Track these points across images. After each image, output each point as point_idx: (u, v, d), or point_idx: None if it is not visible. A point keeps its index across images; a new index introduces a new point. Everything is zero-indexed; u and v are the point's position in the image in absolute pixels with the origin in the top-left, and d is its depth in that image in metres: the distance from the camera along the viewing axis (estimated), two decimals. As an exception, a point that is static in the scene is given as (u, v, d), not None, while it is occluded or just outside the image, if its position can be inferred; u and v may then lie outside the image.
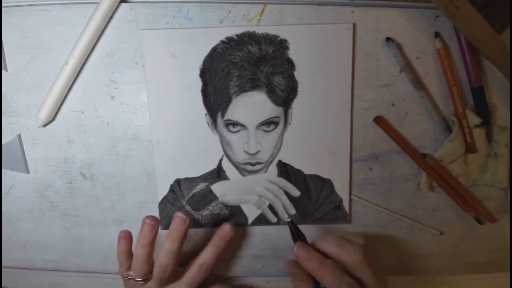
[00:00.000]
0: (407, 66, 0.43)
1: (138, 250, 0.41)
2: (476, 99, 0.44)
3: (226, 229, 0.44)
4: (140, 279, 0.42)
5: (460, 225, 0.48)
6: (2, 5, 0.42)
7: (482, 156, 0.45)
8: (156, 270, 0.42)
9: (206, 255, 0.43)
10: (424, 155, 0.45)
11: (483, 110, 0.44)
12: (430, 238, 0.49)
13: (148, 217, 0.41)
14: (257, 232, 0.48)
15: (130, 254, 0.43)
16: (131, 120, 0.45)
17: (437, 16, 0.42)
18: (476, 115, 0.44)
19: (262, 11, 0.42)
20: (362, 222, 0.48)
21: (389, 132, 0.44)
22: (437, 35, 0.42)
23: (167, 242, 0.41)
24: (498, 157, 0.45)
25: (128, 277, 0.42)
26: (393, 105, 0.45)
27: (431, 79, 0.44)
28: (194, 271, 0.43)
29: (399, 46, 0.43)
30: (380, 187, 0.47)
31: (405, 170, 0.46)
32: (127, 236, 0.42)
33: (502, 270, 0.50)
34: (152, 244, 0.41)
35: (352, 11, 0.42)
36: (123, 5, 0.42)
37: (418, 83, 0.43)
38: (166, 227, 0.47)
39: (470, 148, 0.44)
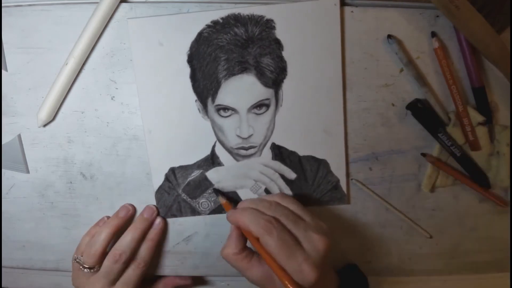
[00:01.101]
0: (410, 63, 0.43)
1: (104, 230, 0.44)
2: (478, 99, 0.44)
3: (157, 223, 0.46)
4: (88, 266, 0.43)
5: (460, 225, 0.48)
6: (2, 5, 0.42)
7: (485, 155, 0.45)
8: (107, 260, 0.43)
9: (142, 251, 0.45)
10: (424, 154, 0.45)
11: (485, 110, 0.44)
12: (430, 238, 0.49)
13: (130, 204, 0.47)
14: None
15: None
16: (131, 120, 0.45)
17: (437, 16, 0.42)
18: (479, 113, 0.44)
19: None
20: (362, 222, 0.48)
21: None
22: (433, 34, 0.42)
23: (130, 230, 0.44)
24: (500, 156, 0.45)
25: (77, 260, 0.44)
26: (393, 105, 0.45)
27: (431, 78, 0.44)
28: (130, 269, 0.44)
29: (400, 43, 0.43)
30: (380, 187, 0.47)
31: (405, 170, 0.46)
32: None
33: (502, 270, 0.50)
34: (118, 228, 0.44)
35: (352, 11, 0.42)
36: (123, 5, 0.42)
37: (421, 79, 0.43)
38: (164, 215, 0.47)
39: (473, 145, 0.44)
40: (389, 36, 0.42)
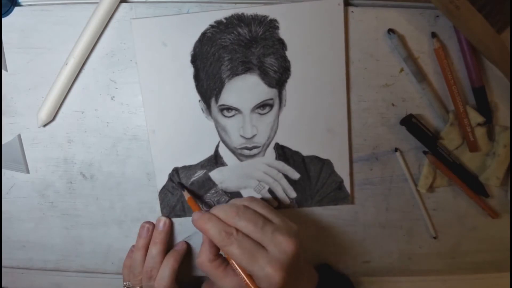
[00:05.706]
0: (409, 58, 0.43)
1: (136, 253, 0.45)
2: (478, 99, 0.44)
3: (179, 246, 0.47)
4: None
5: (460, 225, 0.48)
6: (2, 5, 0.42)
7: (481, 155, 0.45)
8: (144, 279, 0.44)
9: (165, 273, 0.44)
10: (425, 152, 0.45)
11: (485, 110, 0.44)
12: (430, 238, 0.49)
13: (146, 222, 0.47)
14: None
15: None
16: (131, 120, 0.45)
17: (437, 16, 0.42)
18: (479, 114, 0.44)
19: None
20: (362, 222, 0.48)
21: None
22: (433, 35, 0.42)
23: (151, 247, 0.45)
24: (496, 156, 0.45)
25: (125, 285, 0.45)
26: (393, 105, 0.45)
27: (431, 79, 0.44)
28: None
29: (401, 38, 0.43)
30: (380, 187, 0.47)
31: (405, 170, 0.46)
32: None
33: (502, 270, 0.50)
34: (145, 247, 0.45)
35: (352, 11, 0.42)
36: (123, 5, 0.42)
37: (420, 75, 0.43)
38: (168, 215, 0.47)
39: (472, 147, 0.44)
40: (390, 31, 0.42)
